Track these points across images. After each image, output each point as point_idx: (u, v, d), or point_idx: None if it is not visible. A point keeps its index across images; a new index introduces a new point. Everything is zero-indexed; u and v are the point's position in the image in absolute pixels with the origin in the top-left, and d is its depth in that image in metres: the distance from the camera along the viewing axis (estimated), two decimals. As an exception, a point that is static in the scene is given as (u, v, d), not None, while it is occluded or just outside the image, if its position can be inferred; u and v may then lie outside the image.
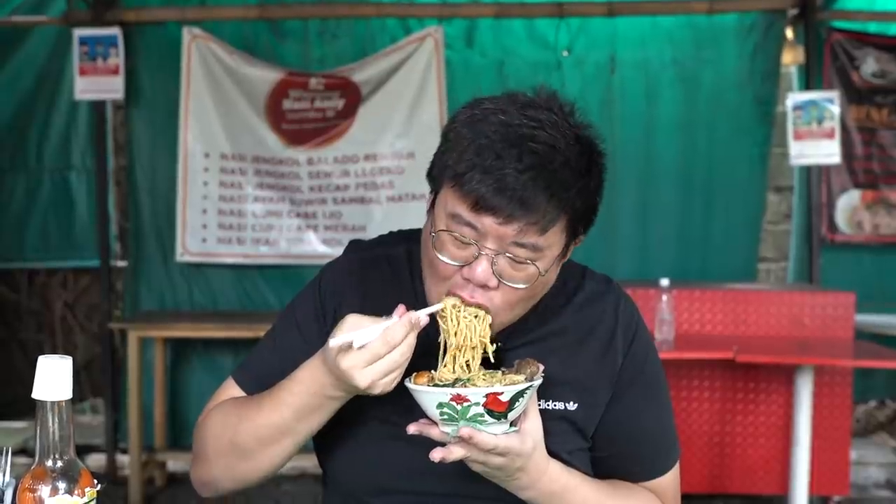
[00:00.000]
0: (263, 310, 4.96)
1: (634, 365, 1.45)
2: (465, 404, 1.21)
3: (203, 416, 1.49)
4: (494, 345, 1.33)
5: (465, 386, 1.25)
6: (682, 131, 5.08)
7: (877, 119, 5.15)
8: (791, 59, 5.04)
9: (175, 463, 4.86)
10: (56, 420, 1.10)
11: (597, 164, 1.32)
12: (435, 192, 1.33)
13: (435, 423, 1.25)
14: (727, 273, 5.01)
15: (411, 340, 1.24)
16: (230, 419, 1.42)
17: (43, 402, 1.09)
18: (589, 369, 1.42)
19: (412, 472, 1.33)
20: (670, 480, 1.51)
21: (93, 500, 1.11)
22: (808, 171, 5.03)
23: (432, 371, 1.30)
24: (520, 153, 1.22)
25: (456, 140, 1.27)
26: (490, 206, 1.22)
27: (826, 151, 4.80)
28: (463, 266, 1.28)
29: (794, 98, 4.85)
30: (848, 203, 5.17)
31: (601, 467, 1.47)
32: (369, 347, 1.22)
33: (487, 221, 1.24)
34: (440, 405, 1.22)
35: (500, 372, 1.30)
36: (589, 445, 1.45)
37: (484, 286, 1.27)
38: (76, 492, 1.10)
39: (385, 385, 1.24)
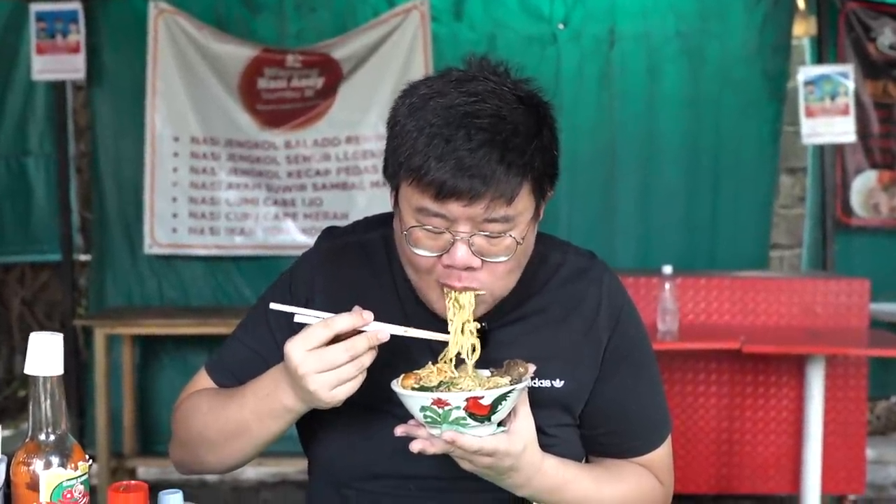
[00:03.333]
0: (239, 305, 5.03)
1: (622, 342, 1.58)
2: (447, 408, 1.31)
3: (178, 401, 1.64)
4: (479, 324, 1.46)
5: (450, 389, 1.36)
6: (687, 109, 5.18)
7: (895, 94, 5.27)
8: (803, 30, 5.16)
9: (147, 470, 4.95)
10: (48, 395, 1.24)
11: (545, 117, 1.42)
12: (395, 188, 1.44)
13: (423, 424, 1.37)
14: (736, 261, 5.11)
15: (369, 358, 1.35)
16: (201, 409, 1.55)
17: (35, 378, 1.23)
18: (574, 346, 1.55)
19: (401, 456, 1.42)
20: (663, 455, 1.64)
21: (85, 474, 1.25)
22: (821, 150, 5.14)
23: (419, 372, 1.41)
24: (467, 132, 1.33)
25: (402, 134, 1.38)
26: (453, 191, 1.33)
27: (840, 129, 4.91)
28: (442, 255, 1.40)
29: (806, 72, 4.96)
30: (864, 184, 5.27)
31: (593, 445, 1.61)
32: (329, 355, 1.33)
33: (454, 206, 1.35)
34: (423, 408, 1.33)
35: (488, 372, 1.42)
36: (576, 423, 1.58)
37: (468, 268, 1.39)
38: (69, 465, 1.23)
39: (338, 394, 1.35)
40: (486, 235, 1.38)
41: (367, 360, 1.35)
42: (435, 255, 1.40)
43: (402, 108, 1.41)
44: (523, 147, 1.36)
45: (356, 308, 1.36)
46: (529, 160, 1.37)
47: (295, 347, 1.34)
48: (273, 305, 1.42)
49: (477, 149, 1.33)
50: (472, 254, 1.38)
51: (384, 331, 1.36)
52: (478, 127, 1.34)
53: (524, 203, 1.40)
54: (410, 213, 1.39)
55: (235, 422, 1.48)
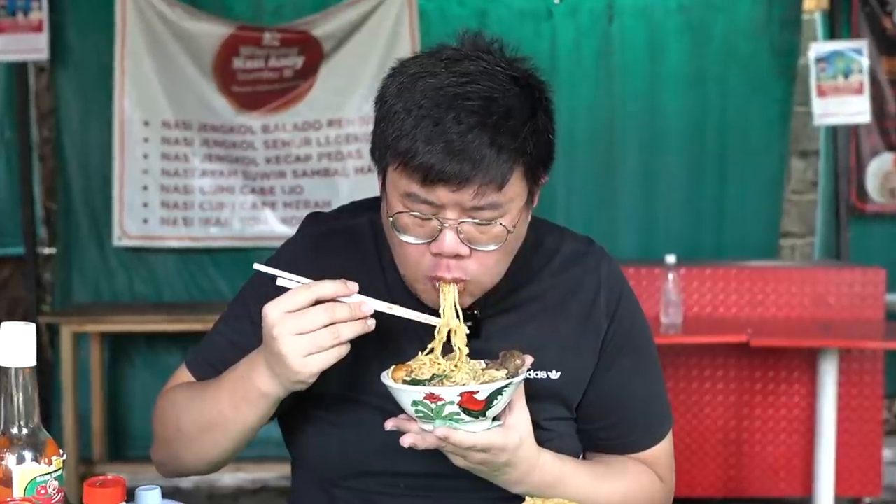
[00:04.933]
0: (215, 300, 5.02)
1: (621, 330, 1.60)
2: (440, 403, 1.31)
3: (158, 398, 1.66)
4: (472, 312, 1.49)
5: (443, 382, 1.37)
6: (691, 88, 5.22)
7: (912, 72, 5.30)
8: (814, 4, 5.18)
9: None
10: (20, 388, 1.26)
11: (541, 99, 1.43)
12: (382, 172, 1.46)
13: (414, 419, 1.38)
14: (745, 250, 5.15)
15: (349, 330, 1.36)
16: (178, 402, 1.58)
17: (7, 369, 1.25)
18: (571, 335, 1.57)
19: (392, 452, 1.44)
20: (664, 450, 1.66)
21: (59, 469, 1.27)
22: (834, 132, 5.18)
23: (411, 363, 1.42)
24: (457, 114, 1.34)
25: (389, 115, 1.39)
26: (440, 176, 1.35)
27: (854, 109, 4.94)
28: (430, 242, 1.41)
29: (818, 49, 4.99)
30: (880, 168, 5.31)
31: (590, 440, 1.64)
32: (306, 318, 1.34)
33: (442, 192, 1.36)
34: (414, 403, 1.33)
35: (482, 363, 1.43)
36: (573, 416, 1.61)
37: (457, 256, 1.41)
38: (43, 460, 1.26)
39: (311, 363, 1.35)
40: (474, 223, 1.40)
41: (347, 331, 1.35)
42: (422, 242, 1.42)
43: (390, 87, 1.42)
44: (516, 130, 1.37)
45: (342, 279, 1.38)
46: (522, 144, 1.38)
47: (273, 307, 1.36)
48: (258, 266, 1.44)
49: (466, 132, 1.34)
50: (461, 241, 1.40)
51: (368, 303, 1.38)
52: (468, 109, 1.35)
53: (515, 189, 1.41)
54: (397, 199, 1.41)
55: (210, 412, 1.50)
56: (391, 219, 1.43)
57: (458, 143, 1.34)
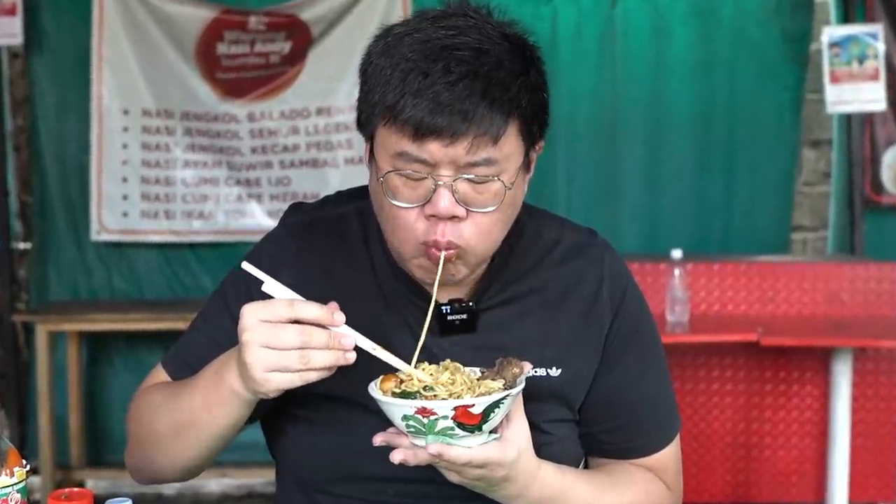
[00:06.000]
0: (197, 296, 4.98)
1: (626, 326, 1.58)
2: (432, 418, 1.28)
3: (133, 399, 1.63)
4: (468, 304, 1.48)
5: (436, 394, 1.33)
6: (698, 75, 5.20)
7: (930, 57, 5.28)
8: (827, -15, 5.18)
9: (97, 483, 4.95)
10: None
11: (532, 59, 1.43)
12: (370, 139, 1.44)
13: (405, 433, 1.35)
14: (754, 244, 5.15)
15: (321, 358, 1.32)
16: (153, 402, 1.55)
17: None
18: (573, 330, 1.55)
19: (380, 457, 1.41)
20: (671, 455, 1.64)
21: (22, 480, 1.25)
22: (848, 120, 5.16)
23: (400, 374, 1.38)
24: (446, 65, 1.34)
25: (375, 74, 1.39)
26: (432, 129, 1.34)
27: (869, 97, 4.92)
28: (424, 205, 1.39)
29: (831, 33, 4.97)
30: (895, 158, 5.32)
31: (593, 444, 1.61)
32: (279, 333, 1.31)
33: (434, 147, 1.35)
34: (405, 417, 1.30)
35: (477, 371, 1.39)
36: (575, 418, 1.59)
37: (452, 218, 1.38)
38: (5, 471, 1.23)
39: (272, 380, 1.32)
40: (470, 180, 1.38)
41: (319, 359, 1.32)
42: (415, 205, 1.40)
43: (375, 49, 1.42)
44: (508, 82, 1.37)
45: (332, 304, 1.35)
46: (515, 97, 1.37)
47: (250, 312, 1.33)
48: (245, 265, 1.41)
49: (457, 82, 1.34)
50: (457, 201, 1.38)
51: (350, 336, 1.35)
52: (458, 59, 1.35)
53: (511, 146, 1.40)
54: (387, 160, 1.40)
55: (183, 412, 1.48)
56: (381, 180, 1.40)
57: (447, 95, 1.33)
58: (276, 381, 1.33)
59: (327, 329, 1.33)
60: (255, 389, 1.35)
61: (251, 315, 1.33)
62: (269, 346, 1.32)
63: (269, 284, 1.39)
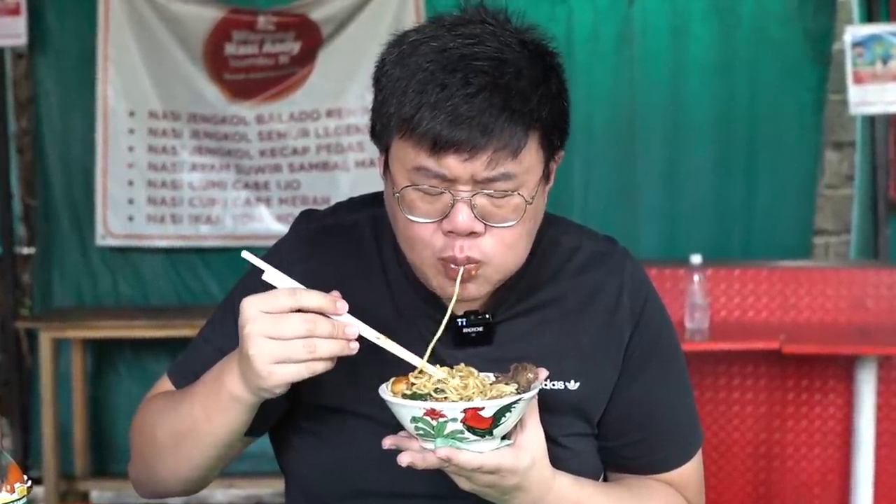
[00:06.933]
0: (205, 303, 5.00)
1: (647, 338, 1.57)
2: (441, 420, 1.27)
3: (137, 409, 1.62)
4: (484, 316, 1.47)
5: (446, 396, 1.32)
6: (718, 76, 5.20)
7: (956, 57, 5.27)
8: (850, -17, 5.17)
9: (101, 494, 4.96)
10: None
11: (552, 66, 1.41)
12: (385, 150, 1.43)
13: (414, 437, 1.34)
14: (775, 249, 5.12)
15: (327, 347, 1.31)
16: (156, 412, 1.55)
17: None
18: (591, 342, 1.54)
19: (390, 470, 1.39)
20: (693, 470, 1.63)
21: (23, 497, 1.24)
22: (871, 122, 5.15)
23: (412, 377, 1.37)
24: (465, 76, 1.32)
25: (390, 84, 1.37)
26: (450, 143, 1.32)
27: (893, 97, 4.88)
28: (441, 220, 1.38)
29: (854, 32, 4.94)
30: (921, 160, 5.29)
31: (612, 459, 1.60)
32: (283, 323, 1.30)
33: (452, 162, 1.34)
34: (414, 419, 1.29)
35: (491, 376, 1.38)
36: (594, 432, 1.58)
37: (471, 234, 1.37)
38: (5, 487, 1.22)
39: (277, 372, 1.30)
40: (489, 195, 1.37)
41: (324, 348, 1.30)
42: (432, 220, 1.38)
43: (390, 57, 1.40)
44: (528, 92, 1.35)
45: (334, 292, 1.34)
46: (536, 108, 1.36)
47: (250, 303, 1.32)
48: (245, 254, 1.39)
49: (475, 94, 1.32)
50: (475, 217, 1.37)
51: (354, 326, 1.34)
52: (476, 70, 1.33)
53: (531, 159, 1.38)
54: (403, 174, 1.38)
55: (184, 420, 1.47)
56: (397, 195, 1.39)
57: (465, 108, 1.32)
58: (281, 374, 1.31)
59: (331, 318, 1.32)
60: (260, 385, 1.33)
61: (252, 307, 1.31)
62: (272, 337, 1.30)
63: (270, 273, 1.38)
